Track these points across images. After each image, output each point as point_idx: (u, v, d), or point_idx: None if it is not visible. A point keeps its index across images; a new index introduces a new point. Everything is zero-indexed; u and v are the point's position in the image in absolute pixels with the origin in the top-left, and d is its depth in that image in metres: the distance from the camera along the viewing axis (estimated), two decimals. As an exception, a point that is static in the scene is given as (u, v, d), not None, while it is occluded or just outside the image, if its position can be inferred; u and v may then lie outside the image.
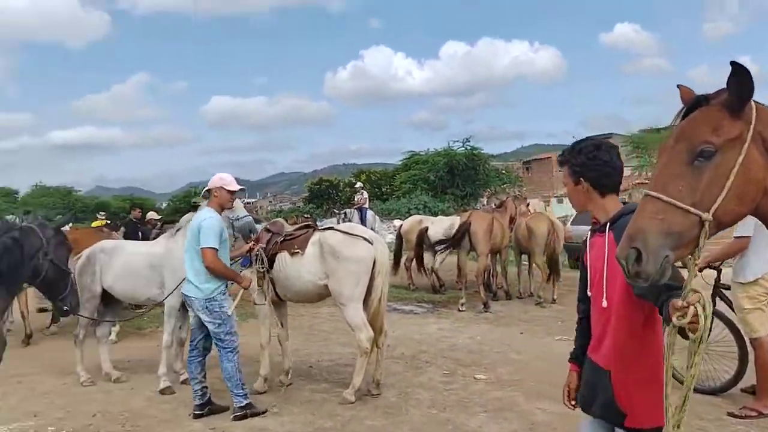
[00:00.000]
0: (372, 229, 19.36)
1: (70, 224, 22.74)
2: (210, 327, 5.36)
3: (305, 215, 29.58)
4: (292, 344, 6.94)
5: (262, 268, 5.92)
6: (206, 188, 5.57)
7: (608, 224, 2.43)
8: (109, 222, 18.51)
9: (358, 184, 21.26)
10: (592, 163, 2.47)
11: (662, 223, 1.78)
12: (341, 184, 55.53)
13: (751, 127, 1.80)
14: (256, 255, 5.92)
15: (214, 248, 5.22)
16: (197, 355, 5.60)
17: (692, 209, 1.78)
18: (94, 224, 17.32)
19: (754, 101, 1.83)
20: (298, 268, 5.93)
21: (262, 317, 6.24)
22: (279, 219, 7.22)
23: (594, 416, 2.54)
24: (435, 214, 19.83)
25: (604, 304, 2.39)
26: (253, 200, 70.27)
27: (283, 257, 6.05)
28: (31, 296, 11.41)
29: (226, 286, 5.51)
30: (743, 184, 1.80)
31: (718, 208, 1.79)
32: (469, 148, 35.31)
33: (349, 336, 8.69)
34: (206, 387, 5.60)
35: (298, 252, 5.96)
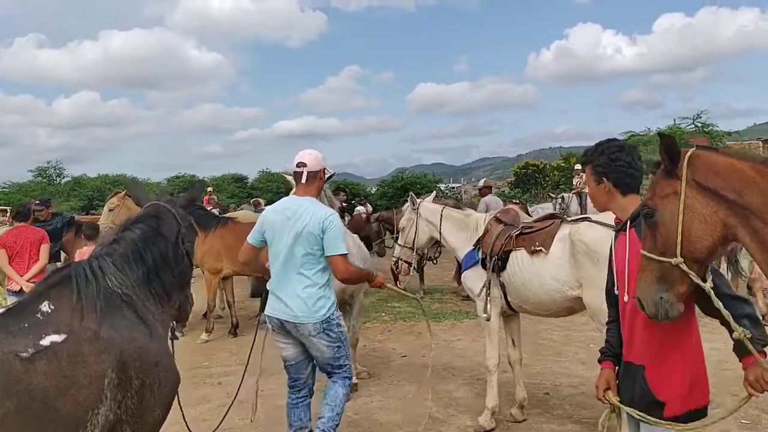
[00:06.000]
0: (590, 217, 17.44)
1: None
2: (329, 354, 3.93)
3: (513, 200, 27.76)
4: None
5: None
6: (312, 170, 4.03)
7: (628, 222, 2.55)
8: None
9: (578, 166, 18.98)
10: (614, 164, 2.61)
11: (650, 274, 2.20)
12: (548, 167, 52.56)
13: (683, 179, 2.13)
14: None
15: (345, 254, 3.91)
16: (307, 396, 4.18)
17: (662, 258, 2.15)
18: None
19: (698, 148, 2.20)
20: (540, 272, 4.45)
21: (489, 333, 4.87)
22: (512, 206, 5.73)
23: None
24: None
25: (626, 298, 2.49)
26: (458, 185, 69.39)
27: (519, 256, 4.60)
28: (241, 283, 11.37)
29: None
30: (696, 224, 2.11)
31: (683, 248, 2.12)
32: (699, 125, 31.07)
33: (590, 353, 7.06)
34: None
35: (540, 250, 4.46)
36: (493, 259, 4.74)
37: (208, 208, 16.25)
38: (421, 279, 11.64)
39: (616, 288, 2.60)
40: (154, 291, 2.73)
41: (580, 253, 4.19)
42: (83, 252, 6.42)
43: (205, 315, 8.99)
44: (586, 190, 17.73)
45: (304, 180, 3.95)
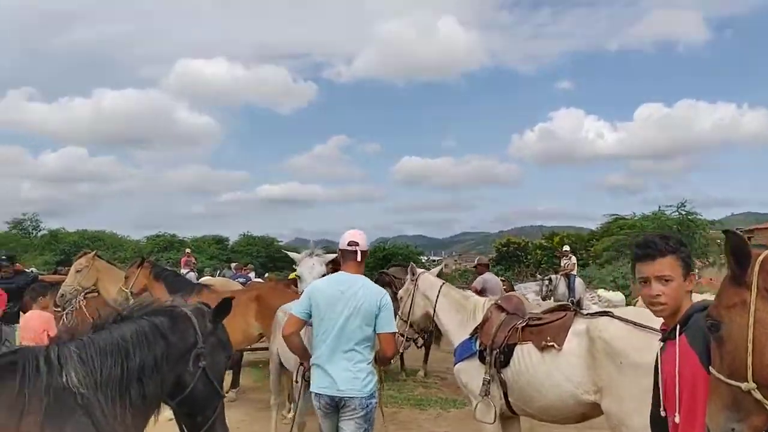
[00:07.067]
0: (579, 300, 16.96)
1: (266, 275, 22.72)
2: None
3: (503, 278, 27.29)
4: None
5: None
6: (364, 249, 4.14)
7: (677, 327, 2.17)
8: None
9: (566, 248, 18.76)
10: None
11: (719, 398, 1.83)
12: (530, 245, 52.58)
13: (753, 288, 1.79)
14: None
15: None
16: None
17: (731, 381, 1.79)
18: (291, 276, 16.65)
19: None
20: (551, 372, 3.95)
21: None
22: (515, 293, 5.29)
23: None
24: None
25: (677, 419, 2.11)
26: (438, 258, 69.36)
27: (526, 351, 4.10)
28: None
29: None
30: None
31: (755, 372, 1.75)
32: (684, 213, 31.29)
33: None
34: None
35: (551, 345, 3.98)
36: (495, 352, 4.24)
37: (184, 271, 15.65)
38: (425, 358, 10.62)
39: (662, 409, 2.19)
40: (130, 396, 2.29)
41: (600, 352, 3.72)
42: (29, 317, 5.79)
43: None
44: (574, 272, 17.40)
45: (359, 258, 4.07)
